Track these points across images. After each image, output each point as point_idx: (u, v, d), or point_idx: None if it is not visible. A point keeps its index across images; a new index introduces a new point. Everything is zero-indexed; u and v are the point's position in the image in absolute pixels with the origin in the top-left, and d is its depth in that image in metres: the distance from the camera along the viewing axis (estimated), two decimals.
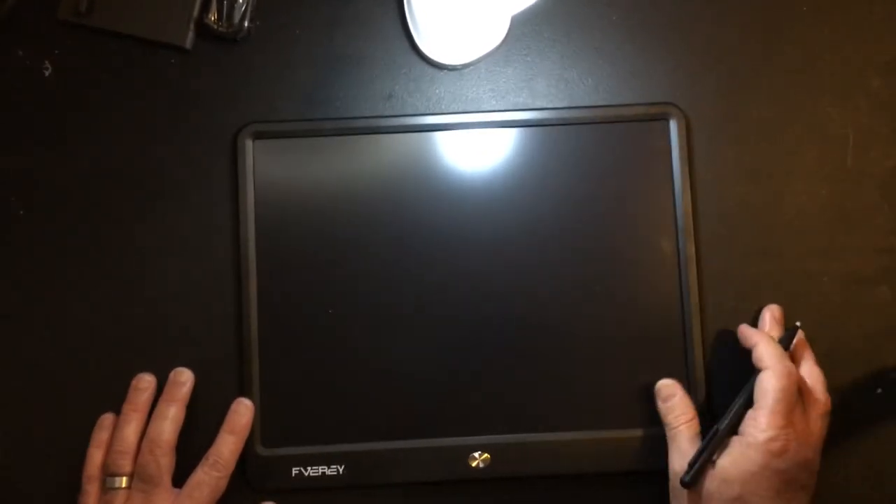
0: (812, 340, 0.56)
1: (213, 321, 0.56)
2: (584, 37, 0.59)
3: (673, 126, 0.57)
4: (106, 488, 0.52)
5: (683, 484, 0.49)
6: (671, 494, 0.52)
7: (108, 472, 0.52)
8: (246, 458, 0.54)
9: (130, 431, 0.53)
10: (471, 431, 0.55)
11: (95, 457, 0.53)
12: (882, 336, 0.56)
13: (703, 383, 0.55)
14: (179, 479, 0.53)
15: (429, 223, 0.56)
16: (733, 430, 0.50)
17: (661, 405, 0.54)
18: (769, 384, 0.49)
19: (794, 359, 0.53)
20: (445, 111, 0.58)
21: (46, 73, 0.58)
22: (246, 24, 0.57)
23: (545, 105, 0.58)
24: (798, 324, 0.53)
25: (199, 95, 0.58)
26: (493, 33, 0.57)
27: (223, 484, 0.53)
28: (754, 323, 0.56)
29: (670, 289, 0.56)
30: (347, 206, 0.56)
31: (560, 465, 0.54)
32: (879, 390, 0.56)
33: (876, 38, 0.58)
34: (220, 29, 0.57)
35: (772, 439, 0.48)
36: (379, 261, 0.56)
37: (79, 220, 0.57)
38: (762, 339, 0.52)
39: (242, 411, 0.54)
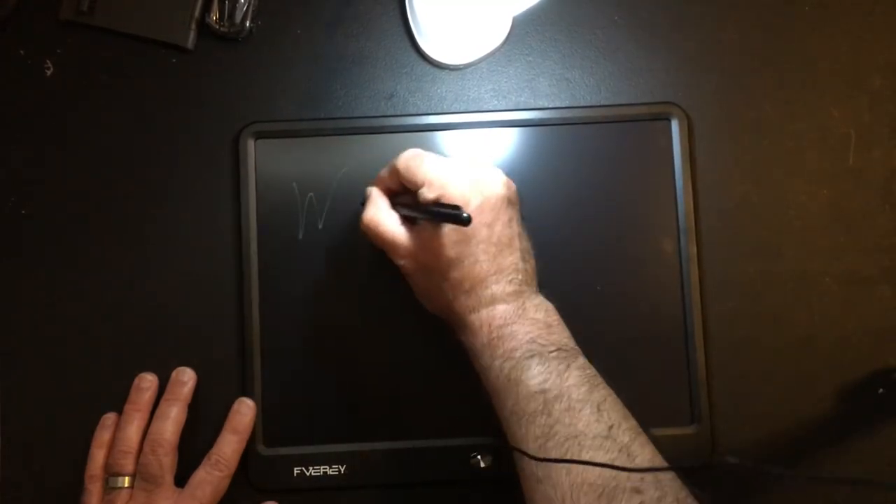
0: (813, 340, 0.56)
1: (215, 321, 0.56)
2: (586, 36, 0.58)
3: (674, 125, 0.57)
4: (108, 488, 0.52)
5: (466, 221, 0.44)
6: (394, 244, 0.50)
7: (110, 472, 0.53)
8: (248, 458, 0.55)
9: (132, 431, 0.53)
10: (472, 431, 0.55)
11: (98, 456, 0.53)
12: (883, 336, 0.56)
13: (705, 383, 0.55)
14: (182, 478, 0.53)
15: None
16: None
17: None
18: None
19: None
20: (447, 111, 0.58)
21: (48, 73, 0.58)
22: (248, 23, 0.57)
23: (547, 105, 0.58)
24: None
25: (200, 95, 0.58)
26: (495, 33, 0.57)
27: (225, 483, 0.53)
28: (755, 323, 0.56)
29: (672, 288, 0.56)
30: (349, 205, 0.56)
31: None
32: (881, 390, 0.56)
33: (878, 37, 0.58)
34: (222, 29, 0.57)
35: None
36: (381, 260, 0.56)
37: (80, 220, 0.57)
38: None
39: (244, 411, 0.54)
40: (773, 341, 0.56)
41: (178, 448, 0.53)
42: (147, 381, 0.55)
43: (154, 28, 0.57)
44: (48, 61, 0.58)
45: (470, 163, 0.49)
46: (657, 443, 0.54)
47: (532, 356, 0.46)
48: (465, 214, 0.44)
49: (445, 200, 0.47)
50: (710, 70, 0.58)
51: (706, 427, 0.55)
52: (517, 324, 0.47)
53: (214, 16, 0.57)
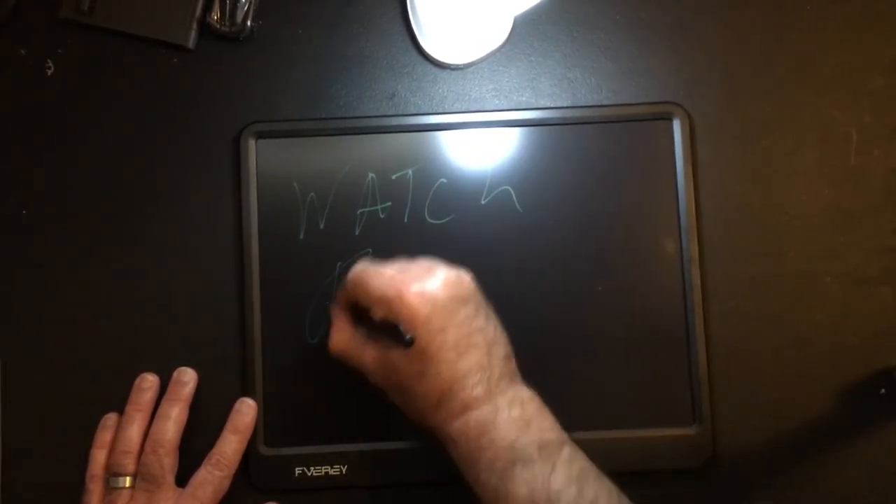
0: (814, 340, 0.56)
1: (217, 321, 0.56)
2: (588, 36, 0.58)
3: (676, 125, 0.57)
4: (109, 488, 0.52)
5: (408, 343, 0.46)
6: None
7: (111, 472, 0.53)
8: (249, 458, 0.54)
9: (134, 431, 0.53)
10: None
11: (99, 456, 0.53)
12: (884, 336, 0.56)
13: (706, 383, 0.55)
14: (183, 478, 0.53)
15: (431, 223, 0.56)
16: None
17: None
18: None
19: None
20: (448, 111, 0.58)
21: (49, 72, 0.58)
22: (249, 23, 0.57)
23: (548, 104, 0.58)
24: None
25: (201, 95, 0.58)
26: (496, 33, 0.57)
27: (226, 483, 0.53)
28: (756, 323, 0.56)
29: (673, 288, 0.56)
30: (350, 205, 0.56)
31: None
32: (882, 391, 0.56)
33: (878, 37, 0.58)
34: (223, 28, 0.57)
35: None
36: (381, 260, 0.56)
37: (81, 220, 0.57)
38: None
39: (245, 411, 0.54)
40: (774, 341, 0.56)
41: (179, 448, 0.53)
42: (148, 382, 0.55)
43: (154, 28, 0.57)
44: (48, 61, 0.58)
45: (418, 268, 0.48)
46: (658, 443, 0.54)
47: (514, 464, 0.44)
48: (406, 337, 0.45)
49: (392, 318, 0.46)
50: (712, 70, 0.58)
51: (707, 427, 0.55)
52: (493, 430, 0.45)
53: (215, 15, 0.57)
